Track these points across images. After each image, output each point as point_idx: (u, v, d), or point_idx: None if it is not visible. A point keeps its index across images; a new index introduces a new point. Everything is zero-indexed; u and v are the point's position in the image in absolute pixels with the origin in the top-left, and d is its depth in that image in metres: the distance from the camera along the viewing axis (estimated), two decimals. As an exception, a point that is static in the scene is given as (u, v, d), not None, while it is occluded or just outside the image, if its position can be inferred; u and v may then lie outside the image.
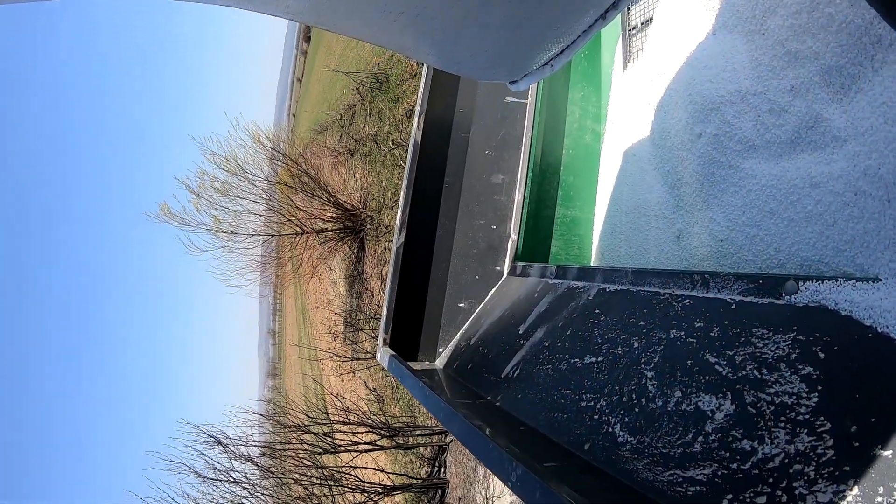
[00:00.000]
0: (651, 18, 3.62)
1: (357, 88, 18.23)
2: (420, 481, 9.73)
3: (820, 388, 1.34)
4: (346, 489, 9.67)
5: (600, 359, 2.03)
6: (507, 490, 7.10)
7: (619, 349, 1.98)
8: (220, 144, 14.82)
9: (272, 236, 16.34)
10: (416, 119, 3.42)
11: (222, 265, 16.01)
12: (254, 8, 1.40)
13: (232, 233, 15.40)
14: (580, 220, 3.72)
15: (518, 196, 3.43)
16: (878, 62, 1.82)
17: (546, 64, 1.85)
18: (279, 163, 16.49)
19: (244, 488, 9.63)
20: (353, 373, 13.66)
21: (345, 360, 13.30)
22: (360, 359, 12.74)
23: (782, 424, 1.36)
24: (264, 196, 16.01)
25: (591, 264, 3.61)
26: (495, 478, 7.32)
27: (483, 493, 7.78)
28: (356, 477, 9.77)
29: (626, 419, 1.75)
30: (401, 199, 3.37)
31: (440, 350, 3.27)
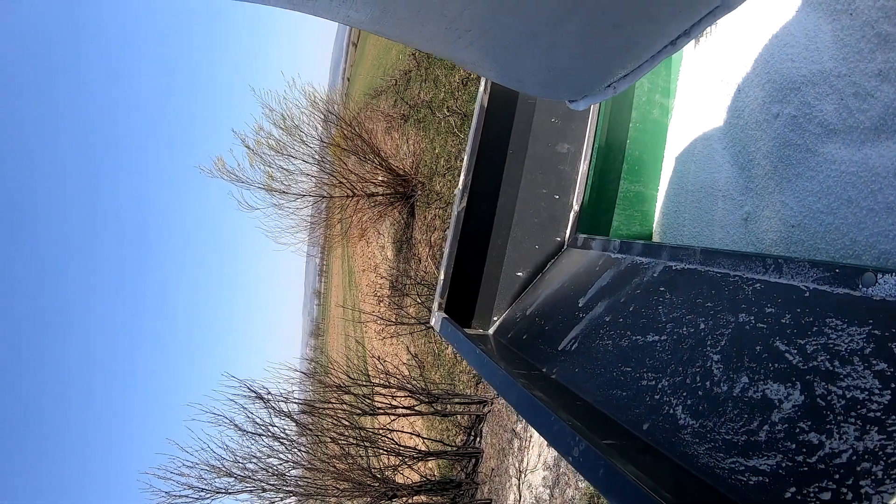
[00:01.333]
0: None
1: (413, 54, 18.20)
2: (455, 449, 9.83)
3: (894, 385, 1.30)
4: (381, 451, 9.81)
5: (664, 338, 1.99)
6: (539, 464, 7.12)
7: (685, 329, 1.93)
8: (277, 101, 14.95)
9: (323, 197, 16.48)
10: (482, 83, 3.37)
11: (272, 223, 16.25)
12: (313, 12, 1.39)
13: (283, 192, 15.58)
14: (644, 195, 3.65)
15: (582, 167, 3.38)
16: None
17: (609, 86, 1.83)
18: (333, 125, 16.57)
19: (282, 443, 9.82)
20: (397, 336, 13.78)
21: (389, 323, 13.41)
22: (404, 323, 12.83)
23: (852, 420, 1.32)
24: (317, 157, 16.14)
25: (656, 241, 3.54)
26: (529, 451, 7.36)
27: (517, 465, 7.82)
28: (392, 440, 9.90)
29: (689, 401, 1.71)
30: (464, 163, 3.34)
31: (494, 318, 3.26)
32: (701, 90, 3.41)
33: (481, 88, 3.37)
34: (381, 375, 10.56)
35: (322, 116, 16.05)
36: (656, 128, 3.72)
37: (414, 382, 10.39)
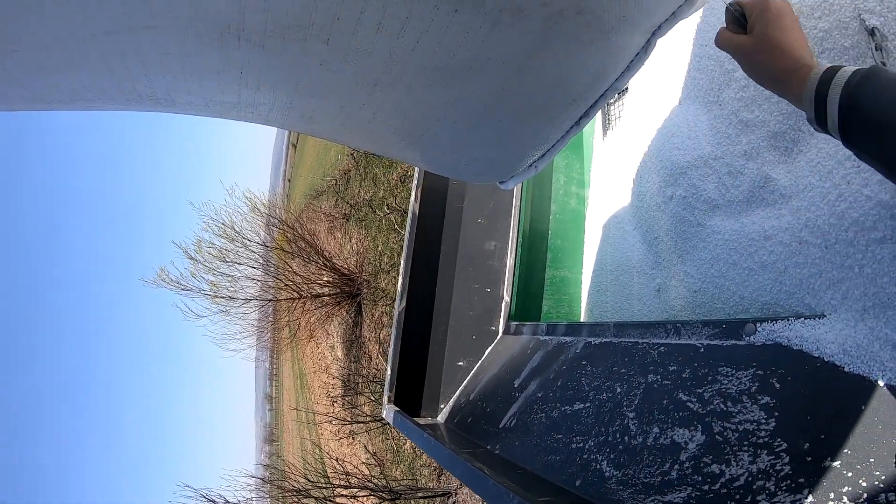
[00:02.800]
0: (627, 88, 3.90)
1: (352, 154, 18.54)
2: (423, 544, 9.71)
3: (777, 413, 1.54)
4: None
5: (587, 405, 2.24)
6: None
7: (604, 395, 2.19)
8: (216, 212, 15.11)
9: (269, 301, 16.47)
10: (413, 192, 3.69)
11: (220, 329, 16.15)
12: (237, 118, 1.55)
13: (229, 297, 15.56)
14: (569, 279, 3.94)
15: (509, 261, 3.67)
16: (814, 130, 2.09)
17: (531, 166, 2.08)
18: (276, 228, 16.73)
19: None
20: (353, 436, 13.66)
21: (344, 423, 13.31)
22: (359, 422, 12.76)
23: (745, 448, 1.55)
24: (261, 261, 16.21)
25: (579, 320, 3.82)
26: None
27: (485, 556, 7.77)
28: (359, 541, 9.75)
29: (612, 455, 1.95)
30: (401, 268, 3.61)
31: (442, 406, 3.46)
32: (610, 179, 3.72)
33: (412, 197, 3.68)
34: (342, 477, 10.46)
35: (264, 221, 16.24)
36: (575, 217, 4.04)
37: (375, 481, 10.31)
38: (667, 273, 2.91)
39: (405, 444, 11.22)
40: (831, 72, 1.15)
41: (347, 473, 10.44)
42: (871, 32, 1.69)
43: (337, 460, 12.11)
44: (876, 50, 1.66)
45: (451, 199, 3.75)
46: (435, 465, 9.87)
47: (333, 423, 14.39)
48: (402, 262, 3.62)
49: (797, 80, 1.24)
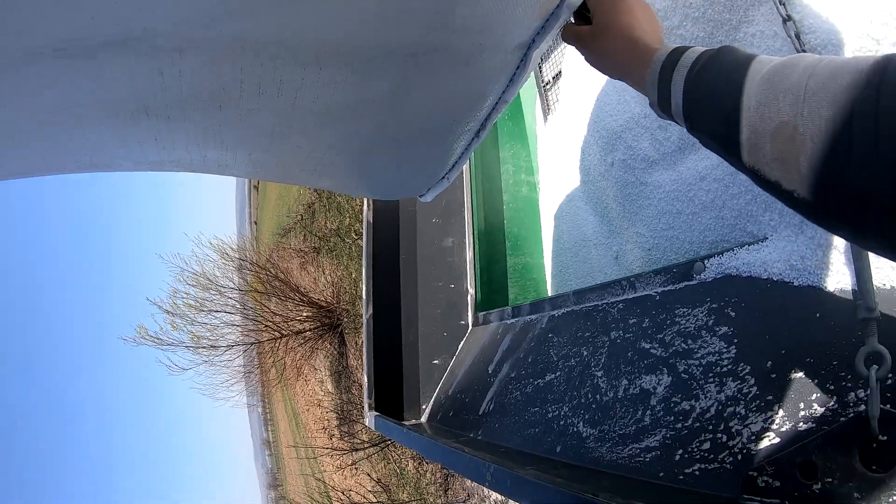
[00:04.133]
0: (560, 72, 3.96)
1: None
2: (439, 561, 9.66)
3: (736, 340, 1.57)
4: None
5: (558, 373, 2.26)
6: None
7: (572, 360, 2.21)
8: (186, 263, 15.06)
9: (252, 345, 16.39)
10: (365, 202, 3.71)
11: (206, 380, 16.04)
12: (167, 170, 1.72)
13: (212, 347, 15.47)
14: (531, 265, 3.97)
15: (469, 254, 3.69)
16: (731, 32, 2.10)
17: (443, 178, 2.17)
18: (248, 271, 16.69)
19: None
20: (355, 466, 13.58)
21: (344, 452, 13.24)
22: (358, 449, 12.70)
23: (711, 379, 1.57)
24: (238, 306, 16.14)
25: (541, 297, 3.86)
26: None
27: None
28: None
29: (587, 416, 1.97)
30: (363, 275, 3.63)
31: (423, 406, 3.47)
32: (556, 160, 3.76)
33: (365, 206, 3.70)
34: (349, 508, 10.41)
35: (236, 265, 16.19)
36: (528, 203, 4.08)
37: (383, 509, 10.27)
38: (622, 239, 2.95)
39: (408, 465, 11.18)
40: (677, 53, 1.08)
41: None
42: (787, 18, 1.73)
43: (343, 492, 12.03)
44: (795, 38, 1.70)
45: (404, 203, 3.78)
46: (440, 480, 9.84)
47: (333, 455, 14.31)
48: (364, 270, 3.64)
49: (640, 63, 1.16)
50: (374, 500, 11.21)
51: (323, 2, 1.01)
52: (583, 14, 1.38)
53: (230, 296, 15.77)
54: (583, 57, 1.39)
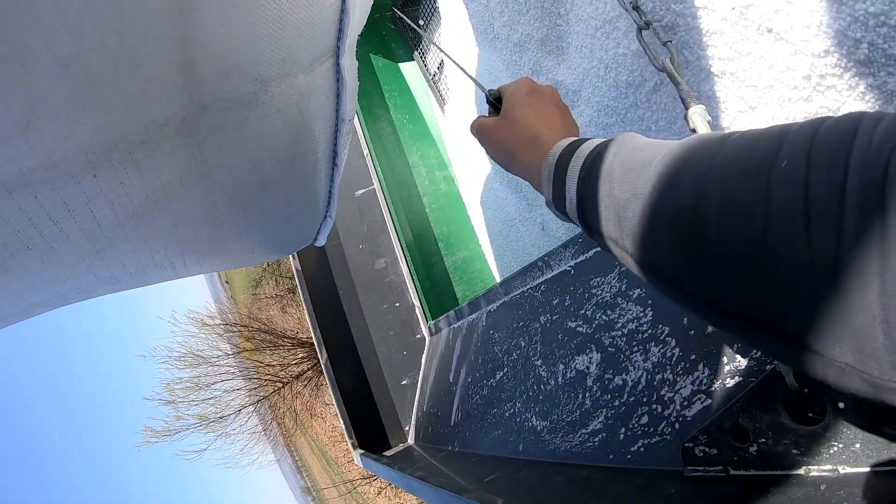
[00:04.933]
0: (442, 62, 3.96)
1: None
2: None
3: (650, 301, 1.54)
4: None
5: (506, 370, 2.24)
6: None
7: (514, 354, 2.19)
8: (169, 349, 14.97)
9: (258, 401, 16.33)
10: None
11: (226, 452, 15.97)
12: (76, 300, 1.60)
13: (220, 418, 15.39)
14: (470, 258, 3.96)
15: (404, 269, 3.68)
16: (564, 15, 2.08)
17: (326, 217, 2.01)
18: (233, 333, 16.60)
19: None
20: (391, 484, 13.56)
21: (377, 476, 13.21)
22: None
23: (636, 348, 1.54)
24: (234, 370, 16.07)
25: (477, 294, 3.86)
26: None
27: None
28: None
29: (537, 408, 1.94)
30: (308, 323, 3.61)
31: (406, 428, 3.45)
32: (464, 148, 3.76)
33: (291, 257, 3.69)
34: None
35: (220, 332, 16.10)
36: (450, 199, 4.07)
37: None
38: (542, 210, 2.95)
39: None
40: (576, 144, 0.93)
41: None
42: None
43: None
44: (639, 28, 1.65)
45: (329, 239, 3.76)
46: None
47: (371, 482, 14.29)
48: (307, 317, 3.62)
49: (539, 157, 1.02)
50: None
51: (48, 112, 0.91)
52: (494, 105, 1.30)
53: (223, 363, 15.69)
54: (484, 150, 1.26)
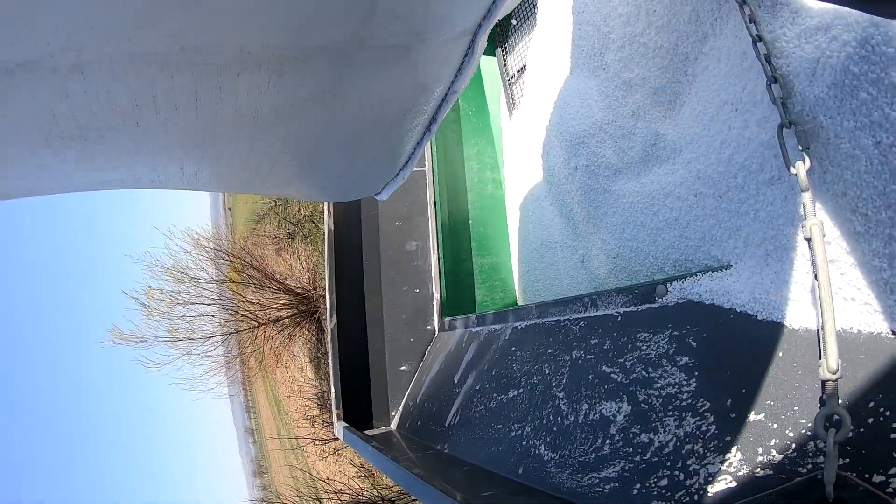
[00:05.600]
0: (525, 66, 3.90)
1: (284, 172, 18.27)
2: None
3: (696, 373, 1.53)
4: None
5: (521, 391, 2.22)
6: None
7: (535, 378, 2.18)
8: (157, 259, 14.87)
9: (229, 334, 16.27)
10: (325, 208, 3.65)
11: (185, 373, 15.91)
12: (98, 189, 1.61)
13: (188, 339, 15.32)
14: (498, 265, 3.93)
15: (433, 257, 3.65)
16: (691, 76, 2.06)
17: (397, 174, 2.08)
18: (223, 261, 16.53)
19: None
20: (337, 452, 13.57)
21: (326, 442, 13.23)
22: (339, 438, 12.65)
23: (671, 413, 1.53)
24: (214, 296, 16.00)
25: (514, 303, 3.82)
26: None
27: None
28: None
29: (548, 438, 1.94)
30: (326, 284, 3.57)
31: (392, 413, 3.44)
32: (521, 157, 3.71)
33: (325, 213, 3.63)
34: (334, 496, 10.38)
35: (211, 256, 16.02)
36: (494, 202, 4.03)
37: (367, 494, 10.26)
38: (587, 243, 2.91)
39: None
40: None
41: (338, 492, 10.36)
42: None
43: (326, 480, 12.02)
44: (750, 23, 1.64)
45: (366, 207, 3.72)
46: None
47: (316, 443, 14.28)
48: (327, 279, 3.58)
49: None
50: (358, 487, 11.21)
51: (225, 8, 0.95)
52: None
53: (206, 287, 15.63)
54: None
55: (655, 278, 2.32)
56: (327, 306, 3.54)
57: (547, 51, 3.34)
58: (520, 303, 3.81)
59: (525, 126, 3.69)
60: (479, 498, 1.84)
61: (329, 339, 3.51)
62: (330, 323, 3.51)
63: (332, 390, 3.42)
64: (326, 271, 3.58)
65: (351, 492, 10.48)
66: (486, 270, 3.90)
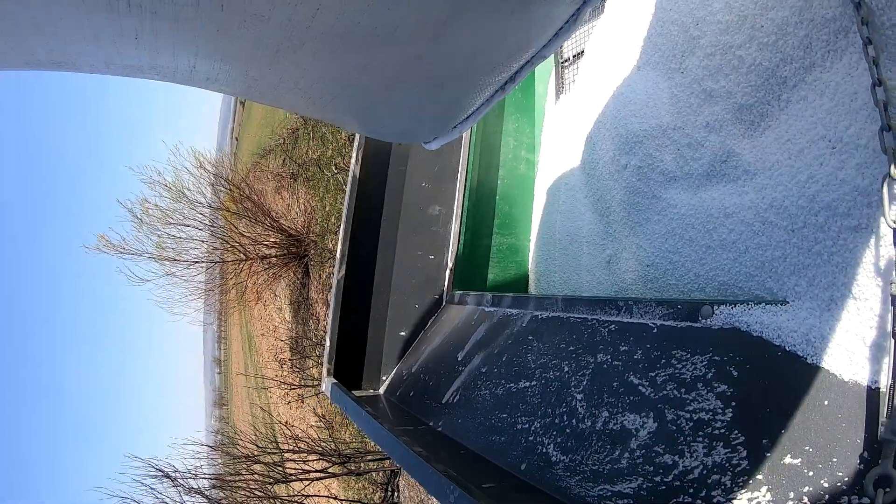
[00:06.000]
0: (582, 52, 3.76)
1: (300, 112, 18.09)
2: (374, 506, 9.70)
3: (734, 404, 1.45)
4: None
5: (533, 383, 2.13)
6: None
7: (551, 373, 2.08)
8: (159, 173, 14.69)
9: (215, 263, 16.17)
10: (354, 154, 3.51)
11: (165, 293, 15.81)
12: (188, 84, 1.49)
13: (174, 259, 15.21)
14: (516, 247, 3.84)
15: (454, 226, 3.55)
16: (784, 101, 1.97)
17: (454, 128, 2.01)
18: (222, 189, 16.37)
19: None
20: (301, 399, 13.55)
21: (292, 387, 13.19)
22: (307, 386, 12.64)
23: (700, 439, 1.46)
24: (207, 222, 15.86)
25: (526, 291, 3.72)
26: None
27: (436, 515, 7.82)
28: (309, 506, 9.69)
29: (559, 439, 1.85)
30: (340, 233, 3.46)
31: (383, 378, 3.35)
32: (562, 144, 3.62)
33: (353, 159, 3.50)
34: (291, 441, 10.35)
35: (210, 181, 15.86)
36: (524, 182, 3.92)
37: (324, 444, 10.22)
38: (618, 245, 2.82)
39: (354, 406, 11.09)
40: None
41: (296, 438, 10.31)
42: (857, 5, 1.56)
43: (286, 424, 11.99)
44: (862, 24, 1.53)
45: (395, 161, 3.60)
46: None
47: (281, 386, 14.26)
48: (342, 227, 3.47)
49: None
50: (316, 437, 11.17)
51: None
52: None
53: (200, 210, 15.48)
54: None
55: (692, 296, 2.23)
56: (337, 255, 3.43)
57: (613, 41, 3.21)
58: (531, 290, 3.71)
59: (572, 112, 3.57)
60: (479, 488, 1.75)
61: (333, 289, 3.41)
62: (337, 273, 3.40)
63: (328, 343, 3.32)
64: (343, 220, 3.46)
65: (308, 440, 10.43)
66: (504, 250, 3.80)
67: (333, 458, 9.66)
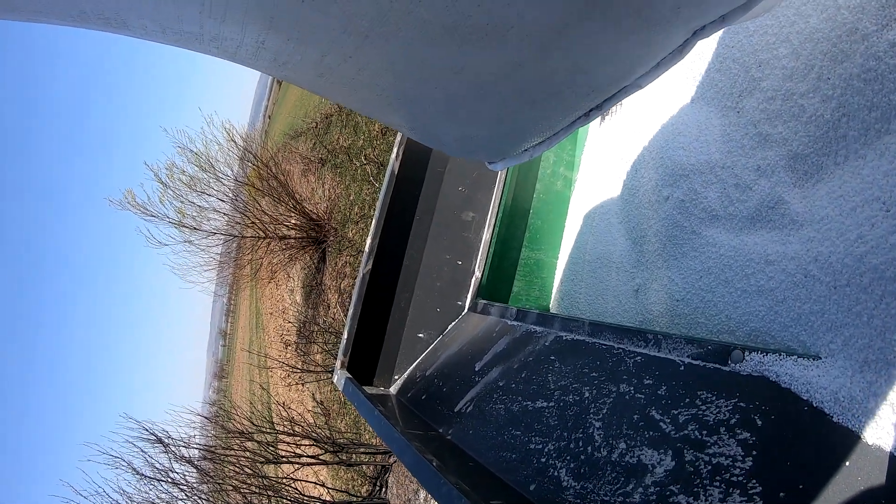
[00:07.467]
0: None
1: (337, 99, 18.12)
2: (360, 499, 9.67)
3: (755, 453, 1.44)
4: (284, 501, 9.57)
5: (551, 404, 2.11)
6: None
7: (570, 397, 2.07)
8: (191, 140, 14.77)
9: (234, 237, 16.24)
10: (395, 149, 3.50)
11: (181, 260, 15.92)
12: (255, 68, 1.43)
13: (194, 228, 15.29)
14: (544, 263, 3.82)
15: (486, 235, 3.53)
16: (842, 157, 1.94)
17: (525, 151, 1.95)
18: (249, 164, 16.43)
19: (182, 490, 9.49)
20: (302, 384, 13.57)
21: (294, 370, 13.20)
22: (310, 371, 12.65)
23: (717, 484, 1.44)
24: (231, 195, 15.94)
25: (551, 310, 3.70)
26: (433, 502, 7.35)
27: (422, 516, 7.80)
28: (296, 490, 9.67)
29: (572, 465, 1.84)
30: (372, 227, 3.45)
31: (395, 377, 3.34)
32: (602, 166, 3.60)
33: (393, 154, 3.49)
34: (286, 423, 10.35)
35: (239, 155, 15.93)
36: (559, 199, 3.91)
37: (319, 431, 10.21)
38: (649, 275, 2.79)
39: (353, 397, 11.09)
40: None
41: (292, 420, 10.31)
42: None
43: (283, 405, 12.00)
44: None
45: (434, 162, 3.59)
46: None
47: (284, 368, 14.28)
48: (375, 220, 3.46)
49: None
50: (312, 422, 11.17)
51: None
52: None
53: (226, 183, 15.54)
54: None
55: (721, 338, 2.20)
56: (366, 249, 3.42)
57: (669, 71, 3.17)
58: (553, 309, 3.69)
59: (616, 135, 3.55)
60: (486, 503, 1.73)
61: (358, 282, 3.40)
62: (364, 266, 3.39)
63: (345, 336, 3.31)
64: (376, 214, 3.45)
65: (304, 425, 10.42)
66: (530, 265, 3.78)
67: (327, 446, 9.65)
